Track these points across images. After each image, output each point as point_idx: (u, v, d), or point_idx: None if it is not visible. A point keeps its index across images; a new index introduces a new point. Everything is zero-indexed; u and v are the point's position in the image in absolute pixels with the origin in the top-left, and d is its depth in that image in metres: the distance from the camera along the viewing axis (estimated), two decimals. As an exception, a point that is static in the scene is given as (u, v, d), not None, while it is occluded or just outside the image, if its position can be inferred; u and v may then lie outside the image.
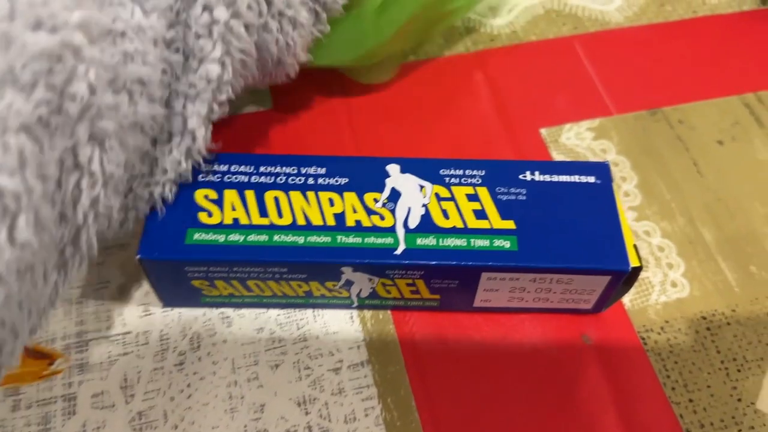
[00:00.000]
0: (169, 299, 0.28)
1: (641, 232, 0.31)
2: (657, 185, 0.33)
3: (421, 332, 0.28)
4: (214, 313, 0.28)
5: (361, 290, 0.27)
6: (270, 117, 0.35)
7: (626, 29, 0.39)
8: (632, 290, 0.29)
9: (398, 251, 0.26)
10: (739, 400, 0.27)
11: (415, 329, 0.28)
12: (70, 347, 0.27)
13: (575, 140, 0.34)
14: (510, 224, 0.26)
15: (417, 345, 0.28)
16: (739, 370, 0.28)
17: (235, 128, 0.34)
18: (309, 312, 0.29)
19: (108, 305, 0.28)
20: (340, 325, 0.28)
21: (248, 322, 0.28)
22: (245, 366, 0.27)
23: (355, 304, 0.28)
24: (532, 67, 0.37)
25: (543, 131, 0.34)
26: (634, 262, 0.25)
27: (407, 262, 0.25)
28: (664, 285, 0.30)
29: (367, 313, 0.29)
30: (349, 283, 0.27)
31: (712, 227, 0.31)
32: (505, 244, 0.26)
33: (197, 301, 0.28)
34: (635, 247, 0.26)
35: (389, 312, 0.29)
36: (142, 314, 0.28)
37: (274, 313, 0.28)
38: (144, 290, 0.29)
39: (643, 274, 0.30)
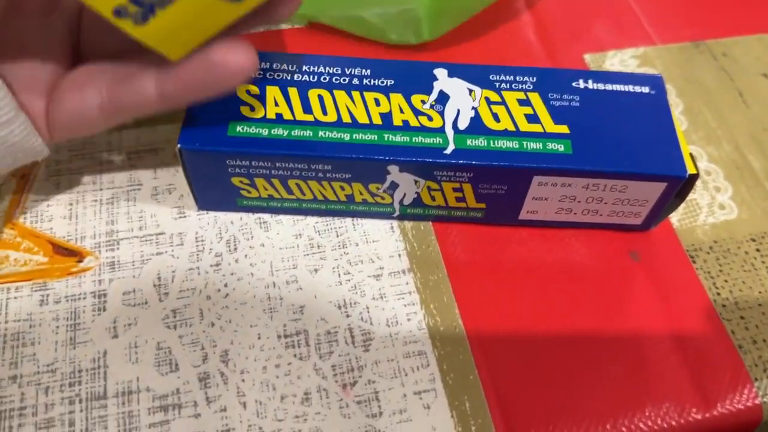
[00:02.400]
0: (204, 201, 0.27)
1: (687, 156, 0.30)
2: (702, 113, 0.32)
3: (464, 244, 0.27)
4: (250, 217, 0.27)
5: (405, 196, 0.26)
6: (306, 33, 0.34)
7: (667, -34, 0.38)
8: (679, 210, 0.29)
9: (448, 151, 0.25)
10: (792, 318, 0.26)
11: (457, 241, 0.27)
12: (100, 246, 0.26)
13: (619, 67, 0.33)
14: (563, 128, 0.25)
15: (459, 256, 0.27)
16: (790, 290, 0.27)
17: (270, 45, 0.33)
18: (348, 221, 0.28)
19: (140, 206, 0.27)
20: (380, 234, 0.27)
21: (286, 227, 0.27)
22: (283, 269, 0.26)
23: (397, 212, 0.27)
24: (573, -1, 0.36)
25: (587, 57, 0.33)
26: (691, 169, 0.25)
27: (457, 161, 0.24)
28: (712, 207, 0.29)
29: (408, 224, 0.28)
30: (393, 186, 0.26)
31: (759, 155, 0.31)
32: (558, 147, 0.25)
33: (233, 204, 0.27)
34: (691, 155, 0.25)
35: (430, 224, 0.28)
36: (177, 216, 0.27)
37: (312, 220, 0.28)
38: (178, 194, 0.28)
39: (690, 196, 0.29)
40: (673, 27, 0.35)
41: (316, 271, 0.26)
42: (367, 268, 0.26)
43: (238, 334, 0.24)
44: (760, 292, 0.27)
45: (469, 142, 0.25)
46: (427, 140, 0.25)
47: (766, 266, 0.27)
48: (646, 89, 0.27)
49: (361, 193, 0.26)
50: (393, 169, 0.25)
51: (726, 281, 0.27)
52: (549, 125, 0.25)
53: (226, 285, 0.26)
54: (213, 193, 0.26)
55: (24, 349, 0.24)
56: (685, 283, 0.27)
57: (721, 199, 0.29)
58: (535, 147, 0.25)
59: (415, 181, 0.25)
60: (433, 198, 0.26)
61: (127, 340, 0.24)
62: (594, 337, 0.25)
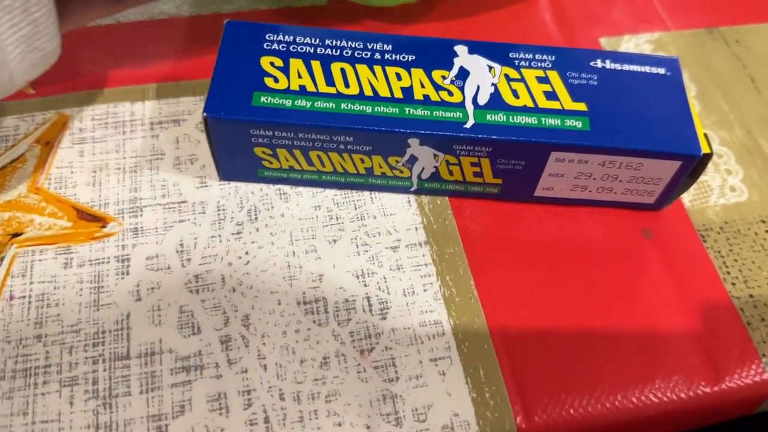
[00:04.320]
0: (226, 171, 0.27)
1: (700, 139, 0.31)
2: (715, 97, 0.32)
3: (479, 219, 0.28)
4: (271, 189, 0.28)
5: (423, 170, 0.27)
6: (324, 12, 0.34)
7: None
8: (691, 191, 0.29)
9: (467, 125, 0.25)
10: (800, 298, 0.27)
11: (473, 216, 0.28)
12: (123, 212, 0.27)
13: (634, 51, 0.33)
14: (581, 106, 0.26)
15: (475, 231, 0.27)
16: (799, 271, 0.27)
17: (291, 22, 0.34)
18: (366, 194, 0.28)
19: (163, 175, 0.28)
20: (398, 208, 0.28)
21: (305, 199, 0.28)
22: (303, 239, 0.27)
23: (414, 186, 0.28)
24: (589, -16, 0.36)
25: (602, 40, 0.34)
26: (705, 149, 0.25)
27: (477, 135, 0.25)
28: (723, 189, 0.29)
29: (425, 199, 0.28)
30: (412, 160, 0.26)
31: (770, 140, 0.31)
32: (576, 124, 0.25)
33: (254, 175, 0.27)
34: (705, 135, 0.26)
35: (447, 199, 0.28)
36: (199, 186, 0.28)
37: (330, 192, 0.28)
38: (200, 164, 0.28)
39: (702, 178, 0.30)
40: (688, 13, 0.36)
41: (334, 241, 0.27)
42: (385, 240, 0.27)
43: (259, 300, 0.25)
44: (769, 272, 0.27)
45: (488, 117, 0.25)
46: (448, 114, 0.25)
47: (775, 247, 0.28)
48: (662, 70, 0.27)
49: (380, 166, 0.27)
50: (413, 142, 0.25)
51: (736, 260, 0.28)
52: (567, 102, 0.26)
53: (247, 253, 0.26)
54: (235, 163, 0.27)
55: (48, 309, 0.25)
56: (696, 262, 0.27)
57: (732, 181, 0.30)
58: (553, 123, 0.25)
59: (434, 155, 0.26)
60: (450, 172, 0.27)
61: (150, 303, 0.25)
62: (606, 311, 0.26)
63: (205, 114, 0.25)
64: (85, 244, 0.26)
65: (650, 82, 0.27)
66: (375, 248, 0.27)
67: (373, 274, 0.26)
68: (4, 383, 0.23)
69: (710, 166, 0.30)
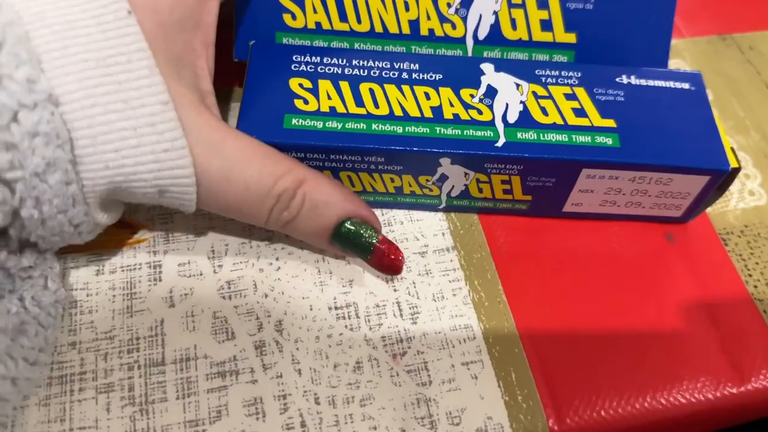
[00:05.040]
0: None
1: (718, 144, 0.31)
2: (730, 103, 0.33)
3: (506, 225, 0.28)
4: (298, 195, 0.28)
5: (453, 188, 0.27)
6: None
7: (694, -38, 0.39)
8: (711, 196, 0.30)
9: (499, 143, 0.25)
10: (821, 299, 0.27)
11: (499, 221, 0.28)
12: (154, 218, 0.27)
13: (650, 57, 0.34)
14: (610, 123, 0.26)
15: (500, 236, 0.28)
16: (819, 273, 0.28)
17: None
18: (392, 200, 0.28)
19: (191, 182, 0.28)
20: (424, 214, 0.28)
21: (332, 205, 0.28)
22: (332, 245, 0.27)
23: (443, 204, 0.28)
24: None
25: (618, 47, 0.34)
26: (733, 163, 0.25)
27: (509, 154, 0.25)
28: (743, 193, 0.30)
29: (450, 204, 0.29)
30: (443, 179, 0.26)
31: (786, 144, 0.32)
32: (607, 140, 0.26)
33: None
34: (732, 149, 0.26)
35: (472, 204, 0.29)
36: (226, 192, 0.28)
37: (357, 199, 0.28)
38: (227, 171, 0.29)
39: (721, 182, 0.30)
40: (701, 20, 0.36)
41: (363, 247, 0.27)
42: (412, 245, 0.27)
43: (291, 305, 0.25)
44: (789, 275, 0.28)
45: (519, 135, 0.25)
46: (479, 133, 0.25)
47: (794, 250, 0.28)
48: (686, 85, 0.28)
49: (410, 185, 0.27)
50: (445, 161, 0.25)
51: (757, 263, 0.28)
52: (596, 119, 0.26)
53: (277, 259, 0.26)
54: None
55: (82, 317, 0.25)
56: (719, 265, 0.28)
57: (750, 185, 0.30)
58: (584, 140, 0.26)
59: (465, 174, 0.26)
60: (480, 190, 0.27)
61: (183, 309, 0.25)
62: (632, 314, 0.26)
63: None
64: (116, 251, 0.26)
65: (676, 97, 0.27)
66: (404, 253, 0.27)
67: (402, 279, 0.26)
68: (41, 390, 0.23)
69: (729, 170, 0.31)
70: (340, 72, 0.27)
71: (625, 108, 0.27)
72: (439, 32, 0.26)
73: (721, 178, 0.26)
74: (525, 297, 0.26)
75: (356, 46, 0.25)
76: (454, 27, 0.26)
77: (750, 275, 0.28)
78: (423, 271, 0.27)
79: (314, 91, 0.26)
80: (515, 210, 0.28)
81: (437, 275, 0.27)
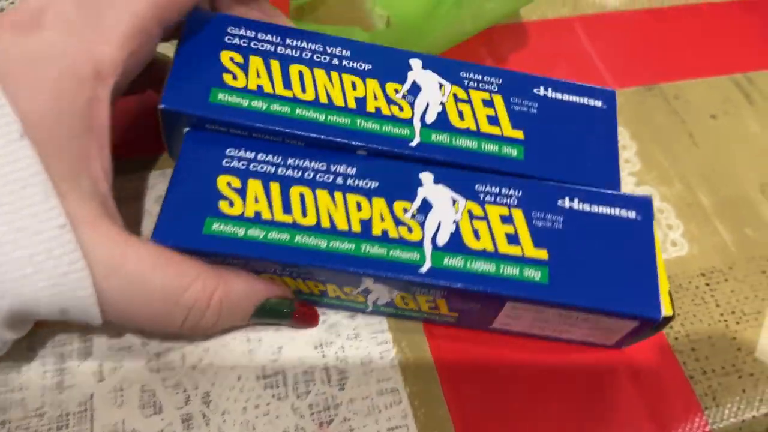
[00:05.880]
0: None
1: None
2: (655, 154, 0.34)
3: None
4: (229, 261, 0.29)
5: (378, 298, 0.26)
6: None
7: (623, 12, 0.40)
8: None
9: (423, 269, 0.24)
10: (739, 349, 0.28)
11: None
12: (85, 292, 0.27)
13: (577, 110, 0.35)
14: (543, 254, 0.24)
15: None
16: (737, 323, 0.29)
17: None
18: (323, 263, 0.29)
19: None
20: (354, 275, 0.29)
21: (264, 271, 0.29)
22: (262, 311, 0.27)
23: (370, 309, 0.27)
24: (535, 44, 0.38)
25: (547, 101, 0.35)
26: (666, 311, 0.24)
27: (432, 281, 0.24)
28: (665, 244, 0.31)
29: (381, 265, 0.29)
30: (367, 292, 0.26)
31: (708, 193, 0.33)
32: (535, 275, 0.24)
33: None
34: (669, 294, 0.25)
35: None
36: (158, 262, 0.28)
37: (289, 263, 0.29)
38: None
39: (644, 234, 0.31)
40: (628, 71, 0.37)
41: (293, 312, 0.28)
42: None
43: (219, 376, 0.26)
44: (709, 325, 0.29)
45: (446, 260, 0.24)
46: (405, 255, 0.24)
47: (715, 300, 0.29)
48: (632, 215, 0.26)
49: (335, 291, 0.26)
50: (368, 280, 0.24)
51: (678, 315, 0.29)
52: (528, 248, 0.25)
53: (207, 328, 0.27)
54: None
55: (12, 395, 0.25)
56: (640, 318, 0.29)
57: (672, 236, 0.31)
58: (511, 273, 0.24)
59: (389, 290, 0.25)
60: (406, 303, 0.26)
61: (112, 383, 0.25)
62: (555, 371, 0.27)
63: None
64: (47, 328, 0.27)
65: (620, 228, 0.25)
66: (332, 318, 0.28)
67: (331, 343, 0.27)
68: (-32, 472, 0.23)
69: (652, 221, 0.32)
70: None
71: (563, 236, 0.25)
72: (386, 111, 0.26)
73: (653, 325, 0.24)
74: (451, 356, 0.27)
75: (297, 112, 0.25)
76: (401, 109, 0.26)
77: (671, 327, 0.28)
78: (352, 335, 0.27)
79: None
80: (444, 322, 0.27)
81: (366, 338, 0.27)
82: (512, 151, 0.26)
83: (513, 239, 0.25)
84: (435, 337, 0.27)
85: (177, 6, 0.23)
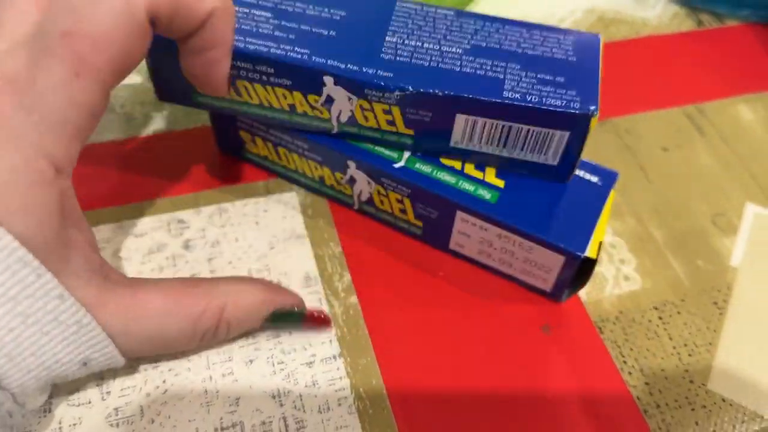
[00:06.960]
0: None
1: (595, 230, 0.33)
2: (608, 188, 0.35)
3: (391, 321, 0.29)
4: (188, 312, 0.29)
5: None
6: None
7: (575, 48, 0.41)
8: (587, 284, 0.31)
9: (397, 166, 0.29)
10: (692, 381, 0.29)
11: (383, 313, 0.29)
12: (44, 348, 0.28)
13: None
14: (500, 183, 0.29)
15: (387, 334, 0.29)
16: (690, 355, 0.29)
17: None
18: (282, 310, 0.29)
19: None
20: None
21: (222, 320, 0.29)
22: (220, 362, 0.28)
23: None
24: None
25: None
26: (591, 253, 0.27)
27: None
28: (617, 279, 0.32)
29: (339, 309, 0.30)
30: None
31: (661, 226, 0.34)
32: (486, 195, 0.29)
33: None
34: (600, 244, 0.28)
35: (359, 308, 0.30)
36: (117, 315, 0.29)
37: (247, 311, 0.29)
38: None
39: (597, 269, 0.32)
40: (581, 107, 0.38)
41: (251, 362, 0.28)
42: (300, 356, 0.28)
43: (177, 429, 0.26)
44: (662, 358, 0.29)
45: (416, 165, 0.29)
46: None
47: (668, 333, 0.30)
48: (595, 179, 0.30)
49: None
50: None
51: (631, 349, 0.29)
52: (490, 177, 0.29)
53: (164, 381, 0.27)
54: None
55: (-30, 455, 0.25)
56: (594, 353, 0.29)
57: (625, 270, 0.32)
58: (467, 188, 0.29)
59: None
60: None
61: (70, 441, 0.26)
62: (510, 403, 0.27)
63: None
64: (6, 385, 0.27)
65: (579, 185, 0.29)
66: (290, 365, 0.28)
67: (289, 392, 0.27)
68: None
69: (604, 256, 0.32)
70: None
71: (525, 177, 0.29)
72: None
73: (576, 263, 0.27)
74: (410, 405, 0.27)
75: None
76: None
77: (625, 362, 0.29)
78: (310, 383, 0.28)
79: None
80: (411, 233, 0.31)
81: (324, 386, 0.28)
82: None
83: (480, 167, 0.29)
84: (393, 380, 0.28)
85: (125, 74, 0.23)
